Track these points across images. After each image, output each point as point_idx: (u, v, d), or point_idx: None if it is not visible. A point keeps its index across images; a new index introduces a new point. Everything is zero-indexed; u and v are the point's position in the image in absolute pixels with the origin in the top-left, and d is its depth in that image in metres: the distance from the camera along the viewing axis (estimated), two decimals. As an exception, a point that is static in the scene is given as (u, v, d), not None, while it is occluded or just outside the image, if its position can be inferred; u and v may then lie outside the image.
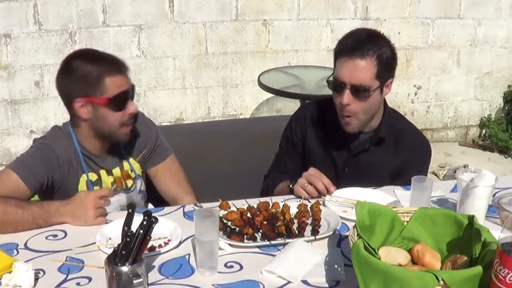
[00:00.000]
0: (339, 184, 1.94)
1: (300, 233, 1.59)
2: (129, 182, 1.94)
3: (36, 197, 1.81)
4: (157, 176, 2.02)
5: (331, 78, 1.87)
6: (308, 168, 1.86)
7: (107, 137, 1.83)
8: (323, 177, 1.81)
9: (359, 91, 1.80)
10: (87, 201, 1.64)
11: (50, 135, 1.86)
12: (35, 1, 3.57)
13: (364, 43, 1.79)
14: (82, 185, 1.84)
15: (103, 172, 1.88)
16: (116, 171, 1.91)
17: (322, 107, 2.04)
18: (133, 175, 1.95)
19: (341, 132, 1.95)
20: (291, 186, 1.89)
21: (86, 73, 1.72)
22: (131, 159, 1.95)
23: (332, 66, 1.91)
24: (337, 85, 1.83)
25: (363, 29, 1.90)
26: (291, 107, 3.76)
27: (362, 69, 1.77)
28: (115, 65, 1.77)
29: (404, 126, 2.04)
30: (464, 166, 3.71)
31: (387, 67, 1.82)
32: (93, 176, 1.86)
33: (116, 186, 1.88)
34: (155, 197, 2.04)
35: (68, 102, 1.79)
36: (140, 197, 2.00)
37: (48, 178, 1.77)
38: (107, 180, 1.88)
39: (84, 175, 1.84)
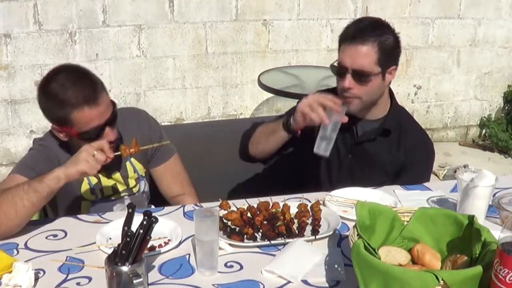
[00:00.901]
0: (340, 171, 1.95)
1: (300, 233, 1.59)
2: (132, 183, 1.94)
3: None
4: (159, 176, 2.01)
5: (335, 64, 1.91)
6: (308, 150, 1.84)
7: None
8: (327, 96, 1.79)
9: (360, 76, 1.85)
10: (83, 147, 1.58)
11: (48, 137, 1.84)
12: (35, 1, 3.57)
13: (366, 30, 1.85)
14: (84, 187, 1.84)
15: (102, 175, 1.87)
16: (116, 175, 1.90)
17: (335, 93, 2.06)
18: (135, 175, 1.94)
19: (349, 120, 1.97)
20: (285, 122, 1.89)
21: (56, 102, 1.64)
22: (133, 160, 1.94)
23: (332, 66, 1.94)
24: (339, 70, 1.89)
25: (367, 17, 1.98)
26: (291, 107, 3.75)
27: (363, 55, 1.83)
28: (83, 97, 1.63)
29: (409, 123, 2.07)
30: (464, 166, 3.71)
31: (388, 54, 1.87)
32: (93, 180, 1.86)
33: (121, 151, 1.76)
34: (157, 197, 2.04)
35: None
36: (143, 198, 2.00)
37: None
38: (107, 183, 1.88)
39: (85, 178, 1.83)
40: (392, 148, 2.00)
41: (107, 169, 1.86)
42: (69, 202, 1.85)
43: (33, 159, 1.76)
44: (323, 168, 2.05)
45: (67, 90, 1.63)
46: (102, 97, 1.68)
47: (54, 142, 1.80)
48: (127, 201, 1.91)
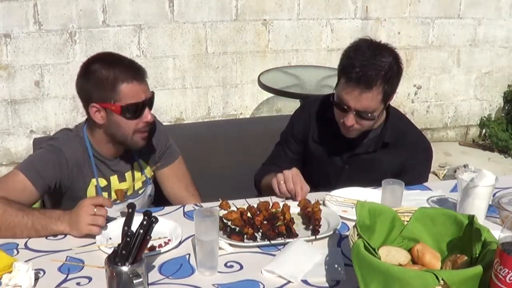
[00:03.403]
0: (338, 181, 1.94)
1: (315, 230, 1.58)
2: (138, 186, 1.93)
3: (37, 204, 1.79)
4: (164, 178, 2.00)
5: (335, 99, 1.86)
6: (308, 163, 1.84)
7: (121, 143, 1.80)
8: (299, 183, 1.79)
9: (364, 115, 1.81)
10: (81, 207, 1.55)
11: (61, 137, 1.82)
12: (35, 1, 3.57)
13: (370, 68, 1.73)
14: (91, 190, 1.83)
15: (113, 178, 1.87)
16: (128, 175, 1.90)
17: (328, 104, 2.03)
18: (143, 177, 1.94)
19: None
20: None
21: (102, 78, 1.69)
22: (142, 162, 1.93)
23: (332, 66, 1.92)
24: (341, 106, 1.83)
25: (366, 43, 1.81)
26: (291, 107, 3.75)
27: (369, 99, 1.78)
28: (133, 72, 1.71)
29: (406, 127, 2.05)
30: (464, 166, 3.71)
31: (392, 84, 1.81)
32: (102, 182, 1.85)
33: (116, 198, 1.85)
34: (158, 199, 2.04)
35: (85, 106, 1.76)
36: (148, 201, 1.99)
37: (56, 181, 1.75)
38: (116, 186, 1.87)
39: (93, 180, 1.82)
40: (389, 157, 1.98)
41: (120, 168, 1.87)
42: (74, 205, 1.84)
43: (42, 163, 1.73)
44: (322, 178, 2.03)
45: (115, 66, 1.71)
46: (146, 79, 1.77)
47: (67, 143, 1.78)
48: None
